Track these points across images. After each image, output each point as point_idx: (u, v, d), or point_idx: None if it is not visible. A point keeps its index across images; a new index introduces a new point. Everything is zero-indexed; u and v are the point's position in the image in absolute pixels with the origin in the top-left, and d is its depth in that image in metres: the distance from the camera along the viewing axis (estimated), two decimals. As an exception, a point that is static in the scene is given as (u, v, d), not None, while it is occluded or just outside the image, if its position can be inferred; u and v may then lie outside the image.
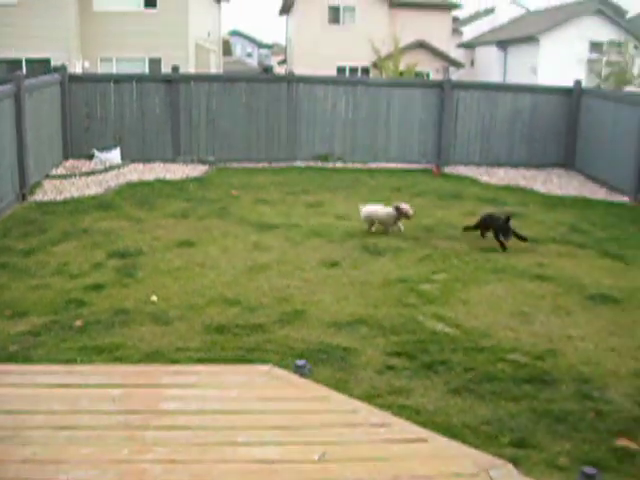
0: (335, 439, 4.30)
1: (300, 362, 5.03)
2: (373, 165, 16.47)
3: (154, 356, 6.32)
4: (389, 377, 6.09)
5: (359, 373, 6.13)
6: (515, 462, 4.86)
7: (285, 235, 10.29)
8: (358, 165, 16.42)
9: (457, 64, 39.24)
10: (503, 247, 9.86)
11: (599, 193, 14.57)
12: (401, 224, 10.60)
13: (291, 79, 16.63)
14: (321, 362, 6.27)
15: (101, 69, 27.65)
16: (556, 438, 5.27)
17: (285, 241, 10.01)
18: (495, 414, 5.54)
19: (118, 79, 16.21)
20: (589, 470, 4.38)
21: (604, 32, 34.78)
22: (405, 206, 10.39)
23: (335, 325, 7.11)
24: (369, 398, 5.61)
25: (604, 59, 32.89)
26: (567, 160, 16.92)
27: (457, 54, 43.35)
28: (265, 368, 4.99)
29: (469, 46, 47.03)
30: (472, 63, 45.43)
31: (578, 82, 17.13)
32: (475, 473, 4.04)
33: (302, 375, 5.13)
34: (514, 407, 5.65)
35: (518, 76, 35.50)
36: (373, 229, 10.64)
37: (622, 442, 5.28)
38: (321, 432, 4.38)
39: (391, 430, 4.43)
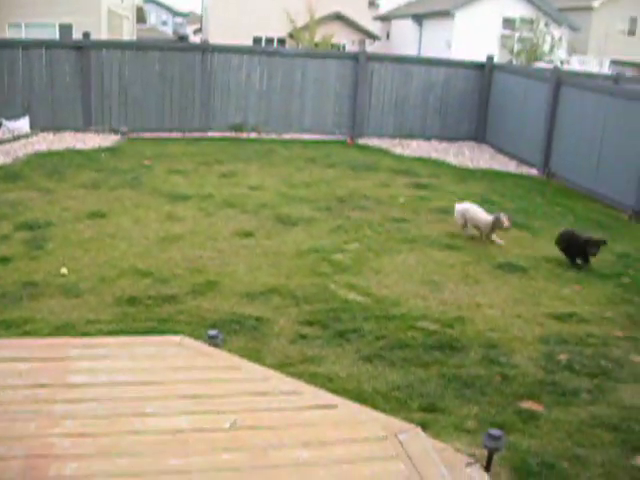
0: (246, 407, 4.30)
1: (212, 332, 5.00)
2: (287, 136, 16.43)
3: (64, 329, 6.18)
4: (301, 346, 6.12)
5: (272, 342, 6.15)
6: (424, 426, 4.96)
7: (198, 206, 10.18)
8: (273, 135, 16.35)
9: (373, 37, 39.35)
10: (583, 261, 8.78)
11: (509, 166, 14.90)
12: (496, 237, 9.40)
13: (206, 48, 16.39)
14: (234, 332, 6.26)
15: (9, 35, 26.62)
16: (464, 402, 5.41)
17: (198, 211, 9.91)
18: (405, 380, 5.65)
19: (27, 45, 15.63)
20: (494, 432, 4.52)
21: (517, 9, 35.35)
22: (504, 218, 9.13)
23: (248, 295, 7.09)
24: (282, 367, 5.63)
25: (516, 35, 33.48)
26: (479, 133, 17.25)
27: (374, 27, 43.40)
28: (176, 339, 4.95)
29: (385, 19, 47.16)
30: (388, 36, 45.58)
31: (490, 57, 17.42)
32: (384, 437, 4.11)
33: (214, 345, 5.11)
34: (424, 373, 5.77)
35: (433, 50, 35.81)
36: (468, 231, 9.55)
37: (527, 404, 5.46)
38: (232, 401, 4.37)
39: (302, 397, 4.45)
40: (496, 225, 9.13)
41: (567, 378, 5.92)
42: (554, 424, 5.24)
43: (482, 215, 9.37)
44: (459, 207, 9.62)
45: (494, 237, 9.33)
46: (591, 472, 4.75)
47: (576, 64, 30.25)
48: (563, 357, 6.27)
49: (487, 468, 4.59)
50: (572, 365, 6.13)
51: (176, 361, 4.67)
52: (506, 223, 9.07)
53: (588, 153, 12.75)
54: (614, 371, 6.14)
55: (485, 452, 4.61)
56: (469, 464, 4.47)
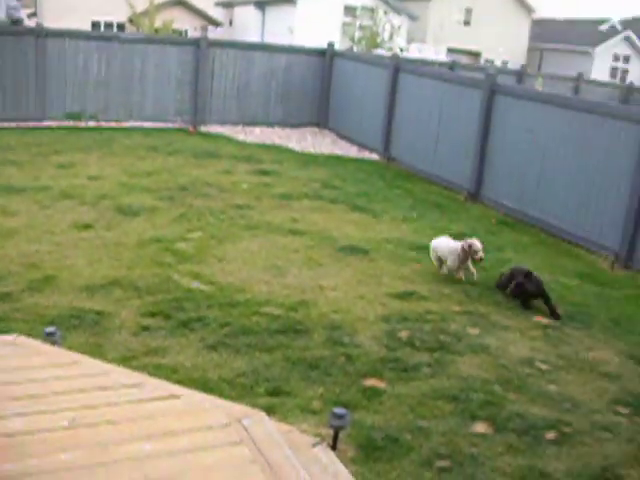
0: (86, 403, 4.15)
1: (49, 329, 4.78)
2: (128, 124, 16.00)
3: None
4: (144, 338, 5.99)
5: (114, 336, 5.97)
6: (271, 410, 4.99)
7: (34, 198, 9.74)
8: (112, 124, 15.87)
9: (216, 23, 38.96)
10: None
11: (351, 151, 15.18)
12: (472, 266, 8.03)
13: (40, 32, 15.63)
14: (73, 328, 6.03)
15: None
16: (309, 384, 5.47)
17: (34, 204, 9.47)
18: (250, 366, 5.64)
19: None
20: (338, 410, 4.57)
21: (358, -3, 36.00)
22: (476, 244, 7.83)
23: (88, 289, 6.86)
24: (125, 360, 5.49)
25: (357, 23, 34.04)
26: (321, 119, 17.46)
27: (216, 13, 42.96)
28: (10, 338, 4.69)
29: (228, 5, 46.77)
30: (231, 23, 45.27)
31: (331, 44, 17.64)
32: (227, 424, 4.08)
33: (52, 343, 4.89)
34: (269, 358, 5.79)
35: (276, 37, 35.83)
36: (444, 269, 8.13)
37: (370, 382, 5.58)
38: (71, 398, 4.21)
39: (143, 390, 4.34)
40: (468, 254, 7.84)
41: (408, 354, 6.10)
42: (397, 399, 5.39)
43: (450, 244, 8.08)
44: (433, 244, 8.27)
45: (471, 267, 7.99)
46: (433, 442, 4.93)
47: (415, 52, 31.14)
48: (404, 334, 6.46)
49: (333, 447, 4.64)
50: (413, 341, 6.33)
51: (10, 362, 4.43)
52: (479, 254, 7.79)
53: (426, 137, 13.18)
54: (452, 344, 6.39)
55: (331, 431, 4.68)
56: (315, 444, 4.51)
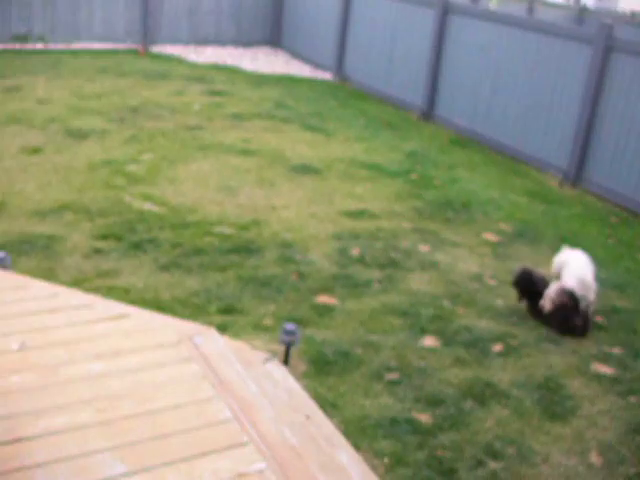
0: (35, 326, 4.18)
1: (-2, 254, 4.77)
2: (77, 45, 15.54)
3: None
4: (97, 260, 5.98)
5: (65, 260, 5.95)
6: (223, 328, 5.07)
7: (-22, 123, 9.51)
8: (60, 46, 15.41)
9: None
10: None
11: (304, 70, 14.99)
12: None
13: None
14: (24, 253, 5.99)
15: None
16: (261, 301, 5.54)
17: (-21, 129, 9.26)
18: (203, 285, 5.68)
19: None
20: (289, 326, 4.67)
21: None
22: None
23: (38, 214, 6.78)
24: (77, 283, 5.50)
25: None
26: (274, 38, 17.15)
27: None
28: (-43, 263, 4.69)
29: None
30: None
31: (282, -41, 17.20)
32: (178, 341, 4.14)
33: (2, 267, 4.87)
34: (221, 277, 5.83)
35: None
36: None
37: (322, 299, 5.67)
38: (20, 321, 4.23)
39: (93, 311, 4.38)
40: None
41: (359, 271, 6.19)
42: (348, 315, 5.50)
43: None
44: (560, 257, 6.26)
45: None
46: (383, 356, 5.05)
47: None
48: (356, 252, 6.53)
49: (285, 362, 4.76)
50: (364, 258, 6.42)
51: (-44, 286, 4.44)
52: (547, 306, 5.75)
53: (379, 57, 13.05)
54: (403, 261, 6.49)
55: (283, 347, 4.77)
56: (267, 360, 4.61)
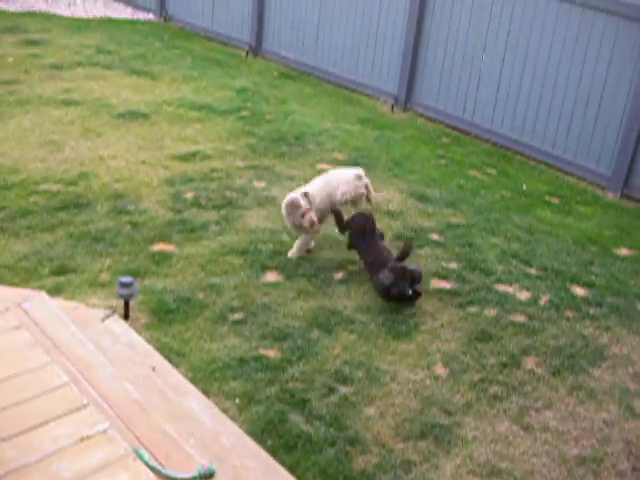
0: None
1: None
2: None
3: None
4: None
5: None
6: (57, 290, 4.85)
7: None
8: None
9: None
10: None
11: (125, 13, 14.37)
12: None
13: None
14: None
15: None
16: (96, 257, 5.33)
17: None
18: (32, 248, 5.39)
19: None
20: (125, 279, 4.53)
21: None
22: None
23: None
24: None
25: None
26: (89, -20, 16.31)
27: None
28: None
29: None
30: None
31: None
32: (5, 309, 3.93)
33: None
34: (51, 237, 5.55)
35: None
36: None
37: (158, 247, 5.53)
38: None
39: None
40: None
41: (195, 214, 6.07)
42: (186, 260, 5.40)
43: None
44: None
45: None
46: (226, 297, 5.01)
47: None
48: (189, 195, 6.40)
49: (125, 316, 4.62)
50: (199, 201, 6.30)
51: None
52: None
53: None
54: (239, 200, 6.41)
55: (122, 302, 4.63)
56: (105, 317, 4.47)
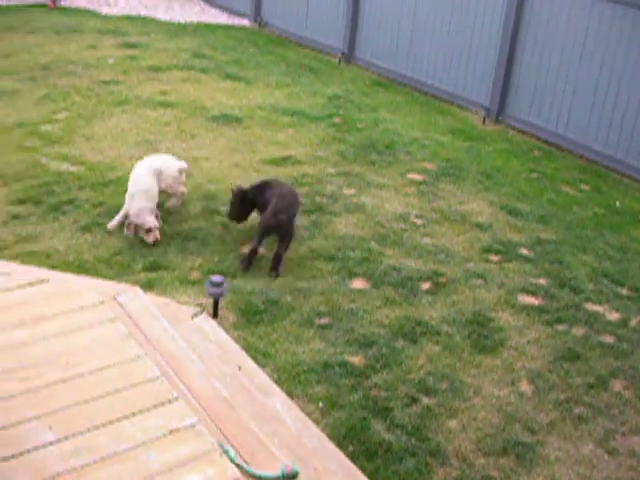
0: (-50, 297, 4.03)
1: None
2: (-21, 3, 14.88)
3: None
4: (15, 226, 5.78)
5: (-19, 228, 5.74)
6: (150, 285, 4.99)
7: None
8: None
9: None
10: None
11: (221, 18, 14.64)
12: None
13: None
14: (-63, 223, 5.76)
15: None
16: (187, 256, 5.46)
17: None
18: (127, 243, 5.57)
19: None
20: (216, 278, 4.62)
21: None
22: None
23: (-50, 181, 6.52)
24: (-5, 251, 5.32)
25: None
26: (188, -14, 16.69)
27: None
28: None
29: None
30: None
31: None
32: (101, 302, 4.05)
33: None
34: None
35: None
36: None
37: (248, 248, 5.61)
38: None
39: (10, 278, 4.25)
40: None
41: (284, 218, 6.13)
42: (275, 263, 5.46)
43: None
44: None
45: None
46: (313, 301, 5.05)
47: None
48: (280, 199, 6.47)
49: (214, 315, 4.72)
50: (289, 206, 6.36)
51: None
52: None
53: (298, 1, 12.82)
54: (329, 206, 6.46)
55: (211, 300, 4.73)
56: (195, 314, 4.56)
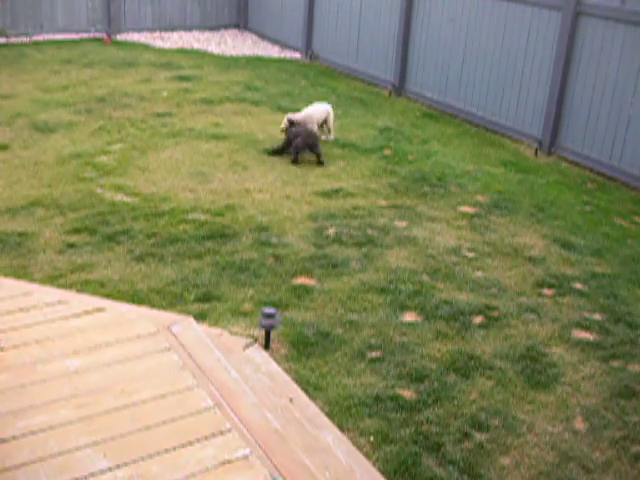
0: (9, 326, 4.11)
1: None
2: (39, 37, 15.29)
3: None
4: (70, 255, 5.89)
5: (39, 256, 5.86)
6: (202, 316, 5.03)
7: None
8: (23, 39, 15.16)
9: None
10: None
11: (272, 51, 14.86)
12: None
13: None
14: (-4, 251, 5.90)
15: None
16: (239, 287, 5.49)
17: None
18: (180, 274, 5.62)
19: None
20: (268, 310, 4.64)
21: None
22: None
23: (9, 211, 6.67)
24: (51, 280, 5.43)
25: None
26: (241, 20, 16.96)
27: None
28: None
29: None
30: None
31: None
32: (156, 332, 4.09)
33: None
34: (197, 264, 5.77)
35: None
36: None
37: (300, 280, 5.63)
38: (-6, 320, 4.15)
39: (68, 306, 4.32)
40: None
41: (336, 250, 6.16)
42: (327, 295, 5.47)
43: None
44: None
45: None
46: (364, 334, 5.03)
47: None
48: (332, 231, 6.49)
49: (266, 346, 4.72)
50: (341, 237, 6.38)
51: None
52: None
53: (348, 33, 12.95)
54: (380, 238, 6.46)
55: (263, 332, 4.74)
56: (247, 345, 4.58)
